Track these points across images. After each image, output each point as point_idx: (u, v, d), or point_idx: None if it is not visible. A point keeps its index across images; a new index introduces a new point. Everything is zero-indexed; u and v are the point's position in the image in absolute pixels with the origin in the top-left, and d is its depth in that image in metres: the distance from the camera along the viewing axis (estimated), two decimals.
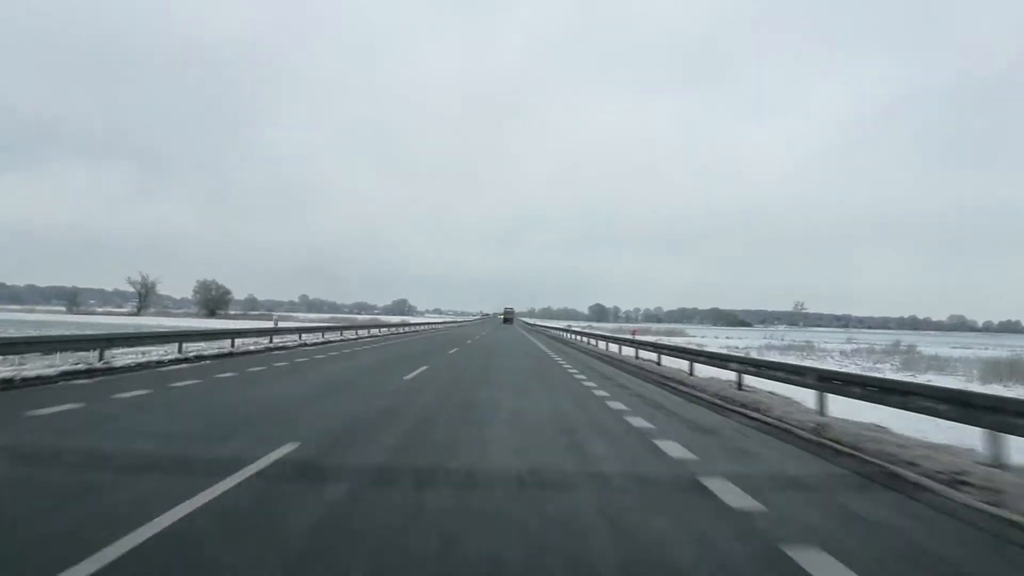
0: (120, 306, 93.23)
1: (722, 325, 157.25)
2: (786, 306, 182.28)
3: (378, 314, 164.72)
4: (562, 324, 73.55)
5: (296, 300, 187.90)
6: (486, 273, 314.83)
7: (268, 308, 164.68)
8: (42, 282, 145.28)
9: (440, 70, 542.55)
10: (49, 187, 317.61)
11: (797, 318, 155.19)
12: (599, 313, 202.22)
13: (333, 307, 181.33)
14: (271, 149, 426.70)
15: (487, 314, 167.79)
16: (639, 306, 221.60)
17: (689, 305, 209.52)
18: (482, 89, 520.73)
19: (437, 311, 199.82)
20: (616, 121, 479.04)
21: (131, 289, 79.43)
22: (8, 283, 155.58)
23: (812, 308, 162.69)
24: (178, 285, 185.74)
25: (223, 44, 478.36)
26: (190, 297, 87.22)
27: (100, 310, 74.83)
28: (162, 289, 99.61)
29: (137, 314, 70.80)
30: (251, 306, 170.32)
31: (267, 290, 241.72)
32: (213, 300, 79.59)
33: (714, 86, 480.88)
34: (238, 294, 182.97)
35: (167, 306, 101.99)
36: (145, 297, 78.16)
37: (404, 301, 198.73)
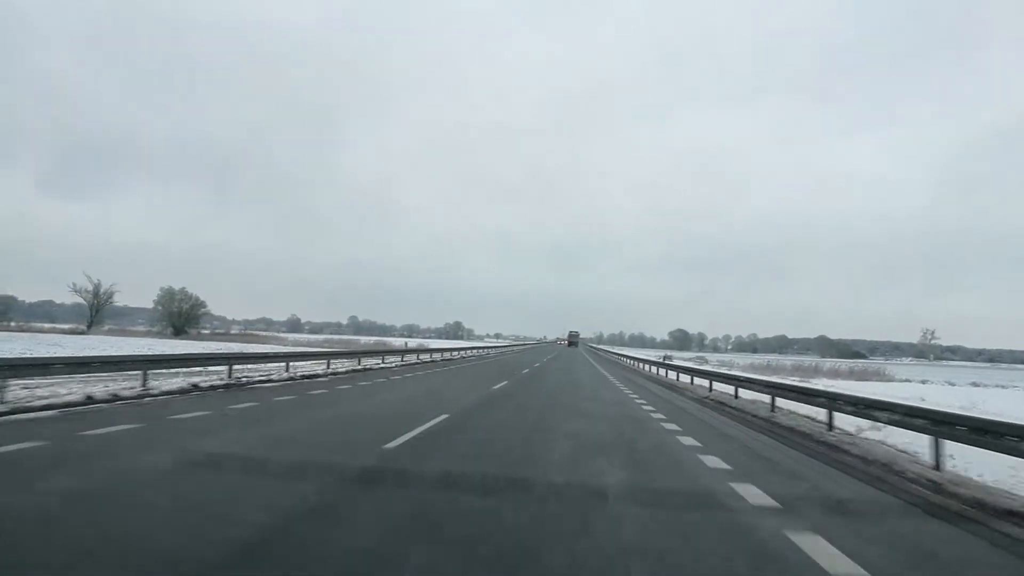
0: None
1: (832, 356, 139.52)
2: (904, 335, 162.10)
3: (430, 337, 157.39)
4: (688, 356, 56.24)
5: (344, 322, 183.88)
6: (553, 296, 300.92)
7: (312, 330, 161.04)
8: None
9: (523, 76, 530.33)
10: (110, 205, 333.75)
11: (926, 350, 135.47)
12: (681, 340, 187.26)
13: (383, 329, 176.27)
14: (328, 166, 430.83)
15: (552, 340, 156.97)
16: (729, 333, 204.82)
17: (787, 333, 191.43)
18: (564, 99, 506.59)
19: (498, 335, 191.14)
20: (707, 133, 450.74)
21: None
22: (58, 301, 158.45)
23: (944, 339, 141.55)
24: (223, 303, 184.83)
25: (285, 50, 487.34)
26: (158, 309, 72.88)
27: (47, 326, 65.17)
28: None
29: (87, 331, 58.41)
30: (294, 327, 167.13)
31: (317, 312, 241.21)
32: (180, 314, 67.82)
33: (822, 94, 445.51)
34: (279, 315, 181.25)
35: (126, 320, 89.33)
36: (98, 310, 66.21)
37: (458, 324, 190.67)
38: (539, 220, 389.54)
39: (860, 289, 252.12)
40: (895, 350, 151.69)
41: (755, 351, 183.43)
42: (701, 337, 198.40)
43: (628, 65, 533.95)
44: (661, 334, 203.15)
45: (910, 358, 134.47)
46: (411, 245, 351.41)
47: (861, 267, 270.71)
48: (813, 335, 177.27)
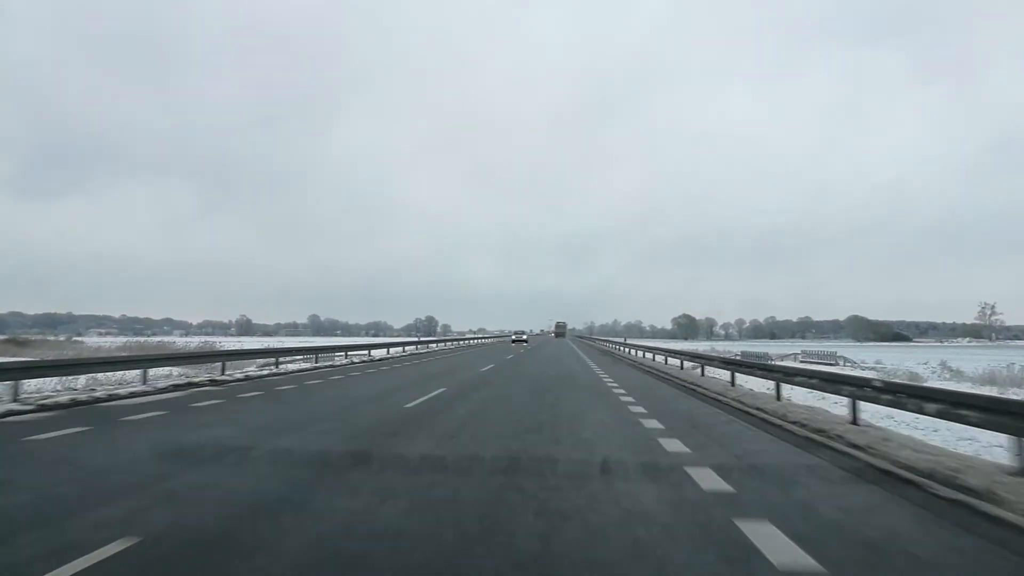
0: None
1: (870, 339, 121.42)
2: (954, 314, 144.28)
3: (397, 335, 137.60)
4: (784, 352, 32.72)
5: (304, 321, 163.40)
6: (543, 288, 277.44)
7: (265, 332, 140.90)
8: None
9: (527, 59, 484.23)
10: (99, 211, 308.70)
11: (985, 331, 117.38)
12: (687, 328, 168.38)
13: (346, 328, 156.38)
14: (298, 155, 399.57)
15: (539, 333, 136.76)
16: (743, 317, 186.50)
17: (811, 315, 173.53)
18: (567, 78, 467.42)
19: (482, 331, 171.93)
20: (731, 107, 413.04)
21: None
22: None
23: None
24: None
25: (261, 30, 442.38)
26: None
27: None
28: None
29: None
30: (245, 329, 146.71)
31: (280, 312, 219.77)
32: None
33: (850, 59, 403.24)
34: (229, 315, 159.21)
35: None
36: None
37: (431, 319, 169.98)
38: (530, 210, 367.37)
39: (894, 264, 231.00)
40: (969, 329, 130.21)
41: (773, 337, 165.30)
42: (709, 323, 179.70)
43: (645, 47, 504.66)
44: (662, 322, 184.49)
45: (967, 339, 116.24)
46: (387, 238, 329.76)
47: (895, 240, 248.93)
48: (841, 316, 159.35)
